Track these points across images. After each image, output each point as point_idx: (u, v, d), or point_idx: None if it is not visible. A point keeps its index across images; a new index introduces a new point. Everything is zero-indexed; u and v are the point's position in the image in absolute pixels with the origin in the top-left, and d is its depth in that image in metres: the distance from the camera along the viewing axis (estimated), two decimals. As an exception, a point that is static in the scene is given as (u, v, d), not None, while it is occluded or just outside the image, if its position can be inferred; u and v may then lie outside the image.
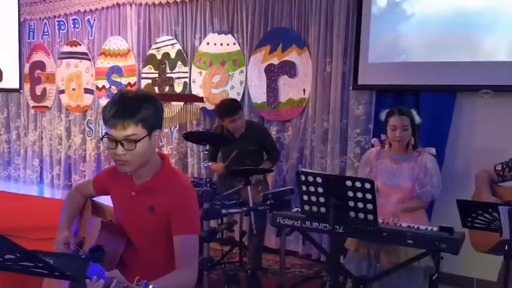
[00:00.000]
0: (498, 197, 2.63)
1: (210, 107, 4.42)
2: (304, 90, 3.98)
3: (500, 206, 1.88)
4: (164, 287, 1.48)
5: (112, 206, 1.85)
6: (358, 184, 2.31)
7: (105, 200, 1.95)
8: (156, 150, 1.76)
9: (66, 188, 5.47)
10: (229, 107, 3.61)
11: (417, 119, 2.86)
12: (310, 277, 3.58)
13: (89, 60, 5.31)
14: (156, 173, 1.69)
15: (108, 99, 1.74)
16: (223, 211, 3.03)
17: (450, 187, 2.97)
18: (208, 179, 2.99)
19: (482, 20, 3.26)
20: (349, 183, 2.33)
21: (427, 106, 3.41)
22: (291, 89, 4.04)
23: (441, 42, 3.40)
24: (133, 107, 1.56)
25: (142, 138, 1.57)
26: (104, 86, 5.17)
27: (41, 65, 5.73)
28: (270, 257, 3.97)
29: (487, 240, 2.52)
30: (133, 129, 1.55)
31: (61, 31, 5.56)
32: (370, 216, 2.36)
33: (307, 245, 3.90)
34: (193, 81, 4.54)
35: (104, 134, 1.61)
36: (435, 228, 2.45)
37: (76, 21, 5.42)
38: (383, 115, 2.95)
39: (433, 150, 2.86)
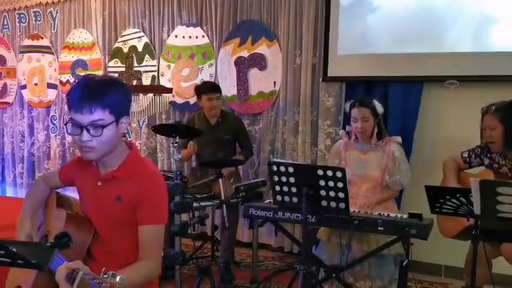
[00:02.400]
0: (463, 183, 2.70)
1: (180, 100, 4.35)
2: (274, 82, 3.97)
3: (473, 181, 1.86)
4: (128, 278, 1.44)
5: (78, 198, 1.79)
6: (329, 173, 2.31)
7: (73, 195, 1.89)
8: (124, 139, 1.70)
9: (29, 187, 5.28)
10: (210, 85, 3.72)
11: (379, 109, 2.87)
12: (283, 269, 3.58)
13: (52, 54, 5.14)
14: (123, 162, 1.63)
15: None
16: (195, 204, 2.99)
17: (418, 175, 3.02)
18: (179, 172, 2.94)
19: (447, 12, 3.34)
20: (320, 172, 2.33)
21: (395, 97, 3.46)
22: (261, 82, 4.03)
23: (408, 34, 3.45)
24: (101, 91, 1.50)
25: (110, 124, 1.52)
26: (68, 81, 5.01)
27: (0, 60, 5.51)
28: (242, 250, 3.95)
29: (455, 226, 2.58)
30: (100, 114, 1.49)
31: (22, 24, 5.36)
32: (342, 205, 2.37)
33: (280, 238, 3.91)
34: (161, 75, 4.46)
35: (68, 119, 1.53)
36: (405, 215, 2.50)
37: (38, 13, 5.23)
38: (347, 107, 2.98)
39: (399, 138, 2.90)
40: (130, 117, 1.83)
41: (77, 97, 1.49)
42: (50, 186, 1.87)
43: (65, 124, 1.55)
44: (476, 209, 1.70)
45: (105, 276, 1.24)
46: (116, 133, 1.55)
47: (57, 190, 1.90)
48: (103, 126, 1.50)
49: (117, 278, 1.23)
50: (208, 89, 3.63)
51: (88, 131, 1.50)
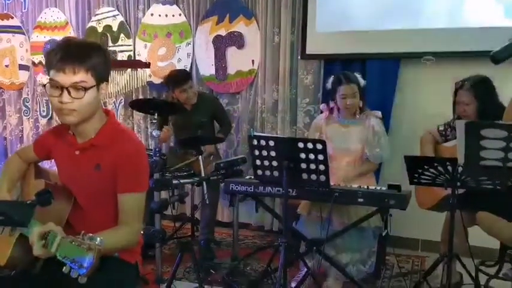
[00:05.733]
0: (440, 155, 2.75)
1: (156, 80, 4.28)
2: (252, 61, 3.94)
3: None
4: (105, 240, 1.42)
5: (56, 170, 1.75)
6: (310, 145, 2.31)
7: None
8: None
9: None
10: (178, 76, 3.53)
11: (362, 82, 2.92)
12: (263, 247, 3.60)
13: (23, 34, 4.97)
14: (101, 130, 1.60)
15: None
16: (175, 181, 2.96)
17: (396, 150, 3.05)
18: (157, 149, 2.90)
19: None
20: (301, 145, 2.33)
21: (373, 73, 3.48)
22: (239, 61, 3.98)
23: (385, 11, 3.46)
24: (83, 52, 1.47)
25: (91, 87, 1.48)
26: (40, 62, 4.85)
27: (-32, 41, 5.29)
28: (222, 230, 3.95)
29: (432, 197, 2.64)
30: (83, 76, 1.46)
31: (-10, 3, 5.16)
32: (323, 177, 2.38)
33: (259, 217, 3.92)
34: (138, 55, 4.36)
35: (48, 80, 1.48)
36: (384, 188, 2.53)
37: (7, -8, 5.04)
38: (329, 83, 2.98)
39: (379, 113, 2.94)
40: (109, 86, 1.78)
41: (60, 57, 1.44)
42: (26, 161, 1.82)
43: (44, 85, 1.50)
44: (461, 158, 1.68)
45: (83, 238, 1.22)
46: (96, 98, 1.52)
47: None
48: (85, 89, 1.46)
49: (97, 240, 1.21)
50: (179, 82, 3.46)
51: (69, 92, 1.46)
